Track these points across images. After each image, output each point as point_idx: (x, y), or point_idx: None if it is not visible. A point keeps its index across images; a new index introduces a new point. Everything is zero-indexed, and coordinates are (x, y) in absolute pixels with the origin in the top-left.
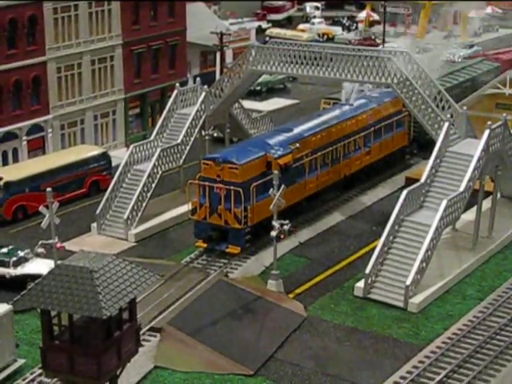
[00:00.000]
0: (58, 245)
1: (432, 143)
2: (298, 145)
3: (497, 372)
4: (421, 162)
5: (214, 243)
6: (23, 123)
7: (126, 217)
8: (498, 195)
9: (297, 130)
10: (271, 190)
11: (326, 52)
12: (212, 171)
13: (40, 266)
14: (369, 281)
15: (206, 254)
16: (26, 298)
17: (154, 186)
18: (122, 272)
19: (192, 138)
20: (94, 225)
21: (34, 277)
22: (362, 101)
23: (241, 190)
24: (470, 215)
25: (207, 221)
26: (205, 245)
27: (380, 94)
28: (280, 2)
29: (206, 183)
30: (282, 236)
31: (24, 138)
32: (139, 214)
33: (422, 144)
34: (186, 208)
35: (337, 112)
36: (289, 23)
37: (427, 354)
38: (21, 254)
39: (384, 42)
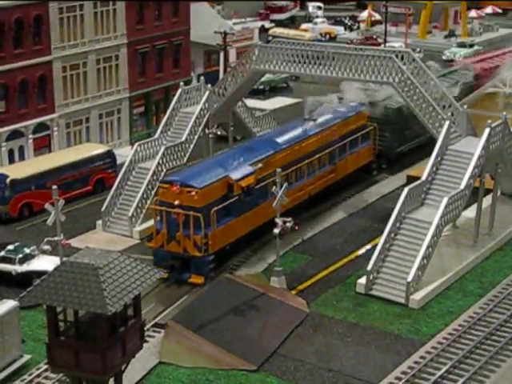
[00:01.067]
0: (64, 242)
1: (402, 157)
2: (260, 165)
3: (497, 367)
4: (422, 161)
5: (176, 273)
6: (29, 122)
7: (130, 214)
8: (498, 193)
9: (259, 149)
10: (274, 187)
11: (328, 51)
12: (170, 195)
13: (46, 262)
14: (370, 277)
15: None
16: (31, 294)
17: (158, 183)
18: (127, 269)
19: (196, 137)
20: (99, 222)
21: (39, 273)
22: (326, 116)
23: (200, 216)
24: (470, 212)
25: (165, 248)
26: (165, 275)
27: (344, 109)
28: (283, 2)
29: (164, 208)
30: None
31: (30, 136)
32: (144, 212)
33: (390, 158)
34: None
35: (300, 128)
36: (292, 23)
37: (428, 350)
38: (27, 250)
39: (385, 41)
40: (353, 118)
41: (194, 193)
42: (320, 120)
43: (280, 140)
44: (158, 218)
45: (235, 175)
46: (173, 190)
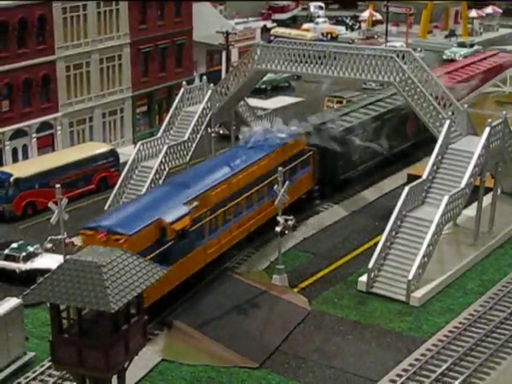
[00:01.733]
0: (67, 240)
1: (350, 183)
2: (196, 203)
3: (497, 365)
4: (423, 160)
5: None
6: (33, 121)
7: None
8: (499, 191)
9: (194, 184)
10: (275, 186)
11: (330, 51)
12: (94, 244)
13: (49, 260)
14: (372, 275)
15: None
16: (35, 292)
17: (160, 182)
18: (130, 267)
19: (198, 136)
20: None
21: (43, 271)
22: (263, 143)
23: None
24: (470, 211)
25: None
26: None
27: (280, 134)
28: (285, 2)
29: None
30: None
31: (34, 135)
32: None
33: (335, 185)
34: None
35: (236, 158)
36: (293, 23)
37: (429, 347)
38: (30, 249)
39: (386, 41)
40: (290, 143)
41: (122, 240)
42: (257, 148)
43: (216, 172)
44: None
45: (168, 217)
46: (98, 238)
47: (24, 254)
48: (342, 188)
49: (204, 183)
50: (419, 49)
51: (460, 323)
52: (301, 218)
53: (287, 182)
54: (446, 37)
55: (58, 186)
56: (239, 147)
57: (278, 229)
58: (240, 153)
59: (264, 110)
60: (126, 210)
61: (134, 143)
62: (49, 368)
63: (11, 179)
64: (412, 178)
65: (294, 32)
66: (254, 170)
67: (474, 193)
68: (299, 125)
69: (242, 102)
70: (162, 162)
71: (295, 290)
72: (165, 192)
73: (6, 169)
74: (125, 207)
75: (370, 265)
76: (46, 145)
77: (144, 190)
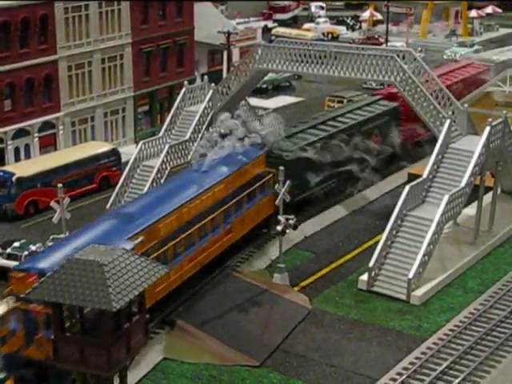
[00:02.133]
0: None
1: (306, 205)
2: (142, 238)
3: (498, 363)
4: (424, 159)
5: None
6: (35, 120)
7: None
8: (499, 190)
9: (139, 216)
10: (276, 185)
11: (331, 51)
12: (27, 286)
13: None
14: (372, 274)
15: None
16: (37, 290)
17: (162, 181)
18: (132, 265)
19: (200, 135)
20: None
21: None
22: (218, 165)
23: None
24: (470, 210)
25: (22, 354)
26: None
27: (240, 153)
28: (286, 2)
29: (19, 304)
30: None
31: (36, 134)
32: None
33: (291, 206)
34: None
35: (188, 184)
36: (294, 23)
37: (429, 346)
38: (32, 247)
39: (387, 41)
40: (250, 165)
41: None
42: (212, 171)
43: (165, 201)
44: (12, 315)
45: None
46: (30, 282)
47: (26, 252)
48: (298, 210)
49: (151, 214)
50: (420, 49)
51: (460, 322)
52: (302, 218)
53: (288, 182)
54: (447, 37)
55: (59, 185)
56: (191, 171)
57: (278, 228)
58: (192, 178)
59: (265, 109)
60: (62, 248)
61: (136, 142)
62: None
63: (13, 178)
64: (412, 177)
65: (294, 32)
66: (208, 197)
67: (474, 192)
68: (254, 143)
69: (243, 102)
70: (163, 161)
71: (296, 288)
72: (107, 226)
73: (8, 168)
74: (61, 245)
75: (371, 264)
76: (48, 144)
77: (146, 188)
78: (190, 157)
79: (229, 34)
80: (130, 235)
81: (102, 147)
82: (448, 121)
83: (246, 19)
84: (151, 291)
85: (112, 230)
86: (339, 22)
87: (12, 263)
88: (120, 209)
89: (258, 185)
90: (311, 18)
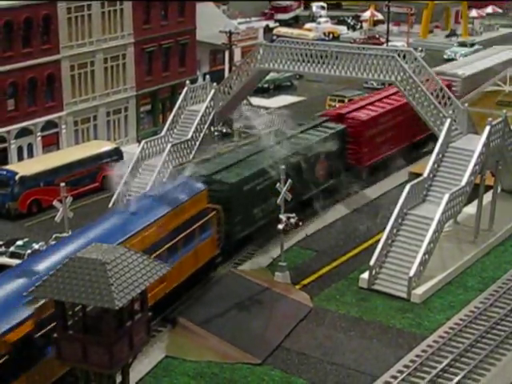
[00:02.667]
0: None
1: (251, 240)
2: (44, 300)
3: (498, 361)
4: (424, 158)
5: None
6: (38, 119)
7: None
8: (499, 189)
9: (46, 273)
10: (278, 184)
11: (332, 50)
12: None
13: None
14: (373, 272)
15: None
16: (40, 289)
17: (164, 180)
18: (134, 264)
19: (201, 134)
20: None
21: None
22: (150, 205)
23: None
24: (471, 209)
25: None
26: None
27: (176, 188)
28: (287, 2)
29: None
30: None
31: (39, 133)
32: None
33: (231, 245)
34: None
35: (112, 231)
36: (295, 22)
37: (430, 344)
38: (35, 246)
39: (388, 40)
40: (188, 203)
41: None
42: (142, 212)
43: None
44: None
45: None
46: None
47: (29, 251)
48: (241, 246)
49: None
50: (420, 48)
51: (460, 320)
52: (303, 217)
53: (289, 181)
54: (447, 36)
55: (62, 184)
56: (118, 213)
57: (280, 227)
58: (117, 222)
59: (266, 108)
60: None
61: (138, 142)
62: None
63: (16, 177)
64: (413, 175)
65: (296, 32)
66: (134, 244)
67: (475, 191)
68: (188, 176)
69: (244, 101)
70: (165, 160)
71: (297, 287)
72: (6, 287)
73: (11, 167)
74: None
75: (372, 262)
76: (51, 143)
77: (148, 187)
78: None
79: (230, 33)
80: (28, 299)
81: (104, 146)
82: (448, 120)
83: (248, 19)
84: (53, 362)
85: (5, 294)
86: (340, 21)
87: (15, 261)
88: (22, 264)
89: (197, 225)
90: (312, 18)
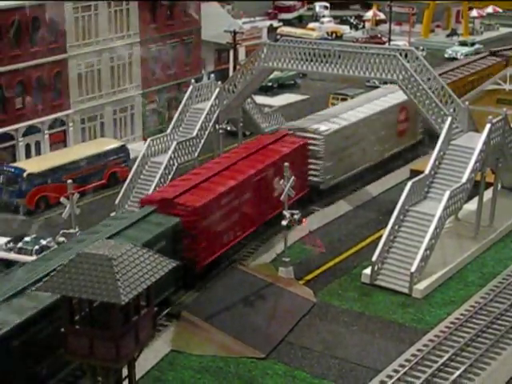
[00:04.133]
0: (79, 234)
1: None
2: None
3: (498, 355)
4: (426, 155)
5: None
6: (45, 117)
7: None
8: (499, 186)
9: None
10: (281, 181)
11: (335, 50)
12: None
13: None
14: (375, 268)
15: None
16: (48, 284)
17: (170, 177)
18: (140, 260)
19: (206, 132)
20: (113, 214)
21: None
22: None
23: None
24: (471, 205)
25: None
26: None
27: None
28: (291, 2)
29: None
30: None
31: (46, 131)
32: None
33: None
34: None
35: None
36: (299, 22)
37: (431, 338)
38: (43, 242)
39: (390, 40)
40: None
41: None
42: None
43: None
44: None
45: None
46: None
47: (37, 247)
48: None
49: None
50: (421, 47)
51: (461, 315)
52: (306, 213)
53: (293, 177)
54: (448, 36)
55: (69, 181)
56: None
57: (284, 222)
58: None
59: (270, 107)
60: None
61: (144, 139)
62: None
63: (24, 174)
64: (415, 173)
65: (299, 31)
66: None
67: (475, 188)
68: None
69: (249, 100)
70: (171, 157)
71: (301, 282)
72: None
73: (19, 164)
74: None
75: (374, 258)
76: (59, 141)
77: (154, 184)
78: None
79: (235, 33)
80: None
81: (110, 144)
82: (449, 118)
83: (252, 19)
84: None
85: None
86: (343, 21)
87: (23, 257)
88: None
89: None
90: (316, 18)
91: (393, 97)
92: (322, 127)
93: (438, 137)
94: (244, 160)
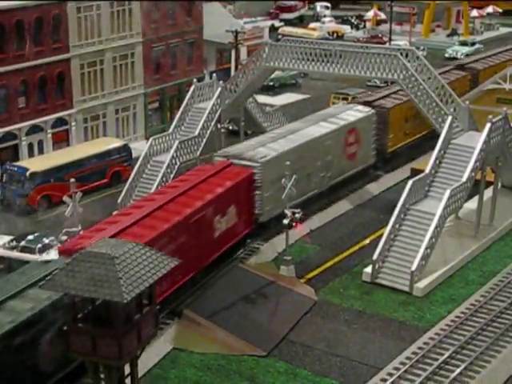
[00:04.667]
0: (81, 233)
1: None
2: None
3: (498, 353)
4: (426, 154)
5: None
6: (48, 117)
7: None
8: (499, 185)
9: None
10: (283, 180)
11: (336, 49)
12: None
13: None
14: (376, 266)
15: None
16: (50, 282)
17: (172, 176)
18: (142, 258)
19: (208, 131)
20: (116, 213)
21: None
22: None
23: None
24: (472, 204)
25: None
26: None
27: None
28: (292, 2)
29: None
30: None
31: (49, 130)
32: None
33: None
34: None
35: None
36: (300, 22)
37: (431, 336)
38: (46, 241)
39: (390, 39)
40: None
41: None
42: None
43: None
44: None
45: None
46: None
47: (40, 245)
48: None
49: None
50: (422, 47)
51: (461, 313)
52: (308, 212)
53: (294, 176)
54: (448, 36)
55: (72, 179)
56: None
57: (285, 221)
58: None
59: (272, 106)
60: None
61: (146, 138)
62: None
63: (27, 173)
64: (415, 172)
65: (300, 31)
66: None
67: (475, 186)
68: None
69: (250, 99)
70: (173, 156)
71: (302, 280)
72: None
73: (22, 163)
74: None
75: (375, 256)
76: (61, 140)
77: (156, 183)
78: None
79: (237, 33)
80: None
81: (113, 143)
82: (450, 117)
83: (253, 19)
84: None
85: None
86: (344, 21)
87: (26, 256)
88: None
89: None
90: (317, 18)
91: (341, 117)
92: (259, 154)
93: (437, 137)
94: (181, 197)
